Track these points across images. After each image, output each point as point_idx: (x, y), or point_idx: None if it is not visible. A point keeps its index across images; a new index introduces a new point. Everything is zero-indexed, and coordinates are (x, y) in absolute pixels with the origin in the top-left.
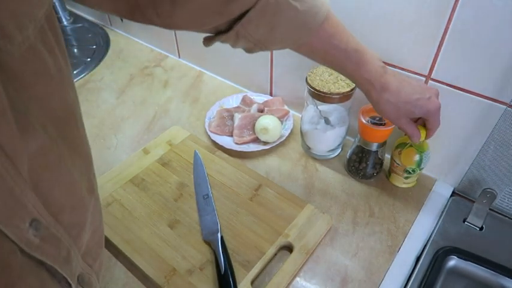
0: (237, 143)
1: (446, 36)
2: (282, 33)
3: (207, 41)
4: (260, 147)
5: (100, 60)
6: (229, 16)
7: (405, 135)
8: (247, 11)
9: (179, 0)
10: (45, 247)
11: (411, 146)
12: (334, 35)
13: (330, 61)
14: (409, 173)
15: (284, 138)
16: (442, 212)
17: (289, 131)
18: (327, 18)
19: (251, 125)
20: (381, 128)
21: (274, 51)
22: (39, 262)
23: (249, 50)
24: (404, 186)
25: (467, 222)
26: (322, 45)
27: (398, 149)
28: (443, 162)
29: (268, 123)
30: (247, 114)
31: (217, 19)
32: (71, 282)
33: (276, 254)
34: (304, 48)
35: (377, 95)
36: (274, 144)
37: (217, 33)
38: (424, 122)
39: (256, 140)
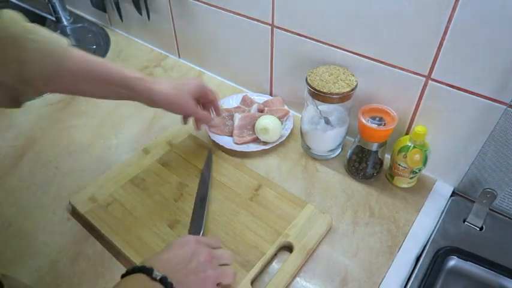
0: (237, 143)
1: (446, 36)
2: (35, 67)
3: None
4: (260, 147)
5: None
6: None
7: (406, 134)
8: None
9: None
10: None
11: (415, 147)
12: (91, 59)
13: (101, 86)
14: (415, 172)
15: (284, 138)
16: (442, 212)
17: (289, 131)
18: (73, 50)
19: (251, 125)
20: (381, 128)
21: (274, 51)
22: None
23: (16, 100)
24: (409, 186)
25: (467, 222)
26: (83, 70)
27: (402, 153)
28: (443, 162)
29: (269, 123)
30: (247, 115)
31: None
32: None
33: (276, 254)
34: (69, 79)
35: (152, 84)
36: (274, 144)
37: None
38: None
39: (256, 140)
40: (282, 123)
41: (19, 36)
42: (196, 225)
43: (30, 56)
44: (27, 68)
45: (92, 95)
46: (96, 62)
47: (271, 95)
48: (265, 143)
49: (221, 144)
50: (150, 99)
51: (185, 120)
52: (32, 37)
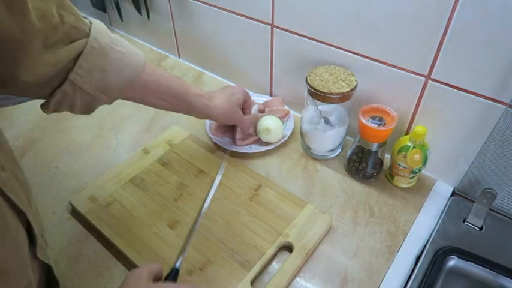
0: (239, 145)
1: (446, 36)
2: (115, 76)
3: (46, 107)
4: (262, 148)
5: None
6: (61, 64)
7: (406, 134)
8: (76, 59)
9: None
10: None
11: (415, 147)
12: (160, 73)
13: (166, 98)
14: (415, 172)
15: (286, 138)
16: (442, 212)
17: (290, 131)
18: (148, 65)
19: (253, 126)
20: (381, 128)
21: (274, 51)
22: None
23: (89, 107)
24: (409, 186)
25: (467, 222)
26: (154, 82)
27: (402, 153)
28: (443, 162)
29: (271, 124)
30: (249, 116)
31: (52, 69)
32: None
33: (276, 254)
34: (140, 90)
35: (209, 101)
36: (276, 145)
37: (53, 92)
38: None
39: (258, 141)
40: (283, 123)
41: (106, 46)
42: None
43: (112, 65)
44: (108, 76)
45: (156, 107)
46: (165, 76)
47: (271, 95)
48: (267, 143)
49: (223, 146)
50: (207, 115)
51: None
52: (116, 48)
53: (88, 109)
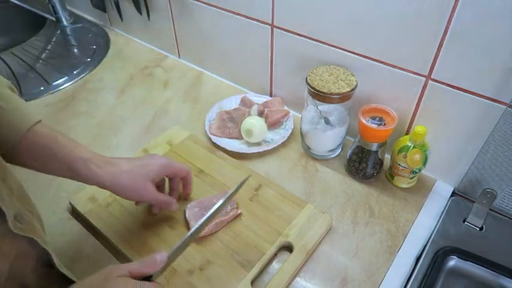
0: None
1: (446, 36)
2: None
3: None
4: (262, 148)
5: (100, 60)
6: None
7: (406, 134)
8: None
9: None
10: None
11: (415, 147)
12: (42, 137)
13: (49, 169)
14: (415, 172)
15: (286, 138)
16: (442, 212)
17: (290, 131)
18: (37, 125)
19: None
20: (381, 128)
21: (274, 51)
22: None
23: None
24: (409, 186)
25: (467, 222)
26: (33, 150)
27: (402, 153)
28: (443, 162)
29: (252, 124)
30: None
31: None
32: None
33: (276, 254)
34: (17, 154)
35: (107, 168)
36: (276, 145)
37: None
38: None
39: (242, 139)
40: (265, 123)
41: None
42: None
43: None
44: None
45: (44, 172)
46: (50, 136)
47: (271, 95)
48: (266, 144)
49: (223, 146)
50: (97, 183)
51: (138, 203)
52: (1, 104)
53: None
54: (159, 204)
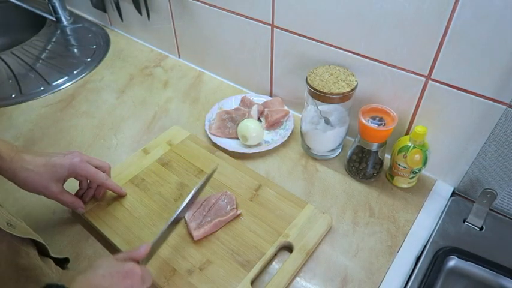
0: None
1: (446, 36)
2: None
3: None
4: (262, 148)
5: (100, 60)
6: None
7: (406, 134)
8: None
9: None
10: None
11: (415, 147)
12: None
13: None
14: (416, 172)
15: (286, 138)
16: (442, 212)
17: (290, 131)
18: None
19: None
20: (381, 128)
21: (274, 51)
22: None
23: None
24: (409, 186)
25: (467, 222)
26: None
27: (402, 153)
28: (443, 162)
29: (248, 127)
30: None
31: None
32: None
33: (276, 254)
34: None
35: (9, 164)
36: (276, 145)
37: None
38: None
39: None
40: (262, 125)
41: None
42: (155, 248)
43: None
44: None
45: None
46: None
47: (271, 95)
48: (266, 144)
49: (223, 146)
50: (12, 171)
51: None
52: None
53: None
54: (65, 205)
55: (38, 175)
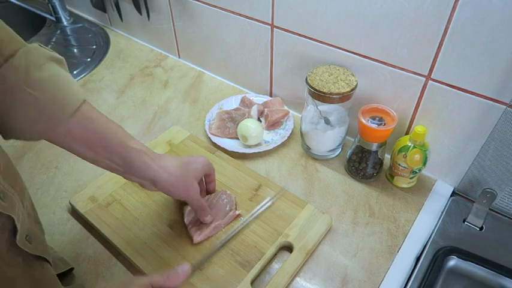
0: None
1: (446, 36)
2: (21, 122)
3: None
4: (262, 148)
5: (100, 60)
6: None
7: (406, 134)
8: None
9: None
10: None
11: (415, 147)
12: (95, 116)
13: (93, 156)
14: (415, 172)
15: (286, 138)
16: (442, 212)
17: (290, 131)
18: (81, 109)
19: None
20: (381, 128)
21: (274, 51)
22: None
23: None
24: (409, 186)
25: (467, 222)
26: (80, 128)
27: (402, 153)
28: (443, 162)
29: (248, 127)
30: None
31: None
32: None
33: (276, 254)
34: (61, 137)
35: (153, 161)
36: (276, 145)
37: None
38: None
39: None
40: (262, 125)
41: (16, 87)
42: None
43: (18, 110)
44: (10, 120)
45: (86, 159)
46: (100, 122)
47: (271, 95)
48: (266, 144)
49: (223, 146)
50: (149, 178)
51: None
52: (28, 90)
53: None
54: (198, 208)
55: (186, 172)
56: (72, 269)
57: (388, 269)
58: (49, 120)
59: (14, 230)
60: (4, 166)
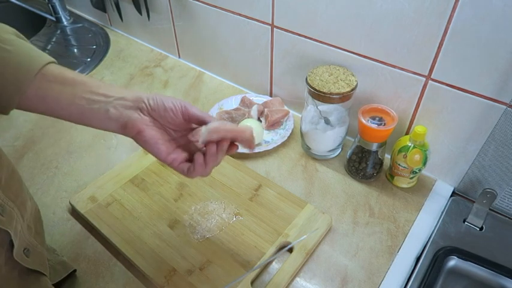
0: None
1: (446, 36)
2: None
3: None
4: (262, 148)
5: (100, 60)
6: None
7: (406, 134)
8: None
9: None
10: None
11: (415, 147)
12: (65, 75)
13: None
14: (416, 172)
15: (286, 138)
16: (442, 212)
17: (290, 131)
18: (49, 66)
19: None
20: (381, 128)
21: (274, 51)
22: None
23: None
24: (409, 186)
25: (467, 222)
26: (54, 90)
27: (402, 153)
28: (443, 162)
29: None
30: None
31: None
32: None
33: (276, 254)
34: (32, 102)
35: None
36: (276, 145)
37: None
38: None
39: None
40: (262, 124)
41: None
42: None
43: None
44: None
45: (56, 115)
46: (70, 76)
47: (271, 95)
48: (266, 144)
49: None
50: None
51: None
52: (7, 47)
53: None
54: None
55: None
56: (74, 270)
57: (388, 269)
58: (23, 71)
59: (12, 244)
60: (5, 179)
